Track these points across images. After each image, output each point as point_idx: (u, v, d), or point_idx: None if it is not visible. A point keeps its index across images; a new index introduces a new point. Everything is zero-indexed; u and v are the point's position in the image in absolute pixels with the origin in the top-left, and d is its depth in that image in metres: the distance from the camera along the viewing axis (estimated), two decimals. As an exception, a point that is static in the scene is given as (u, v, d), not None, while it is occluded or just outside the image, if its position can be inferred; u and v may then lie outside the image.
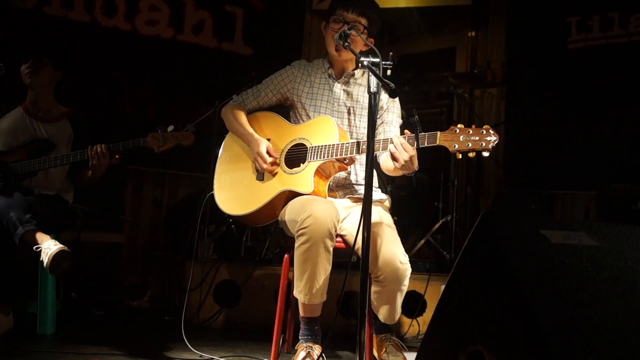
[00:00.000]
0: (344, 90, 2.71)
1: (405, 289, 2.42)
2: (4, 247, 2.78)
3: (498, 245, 1.53)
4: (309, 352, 2.36)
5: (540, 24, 4.95)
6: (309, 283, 2.32)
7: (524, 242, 1.57)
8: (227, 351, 2.90)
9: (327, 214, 2.30)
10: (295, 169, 2.54)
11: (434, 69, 5.74)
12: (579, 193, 4.67)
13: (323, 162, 2.48)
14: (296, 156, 2.57)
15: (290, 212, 2.45)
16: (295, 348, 2.47)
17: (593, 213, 4.58)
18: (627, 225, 1.71)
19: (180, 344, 2.76)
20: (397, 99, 2.71)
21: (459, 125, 2.17)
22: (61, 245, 2.70)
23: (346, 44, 2.35)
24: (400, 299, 2.44)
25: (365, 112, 2.54)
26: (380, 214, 2.49)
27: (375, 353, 2.59)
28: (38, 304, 3.02)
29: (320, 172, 2.51)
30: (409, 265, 2.40)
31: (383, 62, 2.07)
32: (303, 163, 2.52)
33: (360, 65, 2.09)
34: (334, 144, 2.45)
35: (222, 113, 2.83)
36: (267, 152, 2.56)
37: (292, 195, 2.51)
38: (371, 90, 2.01)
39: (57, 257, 2.65)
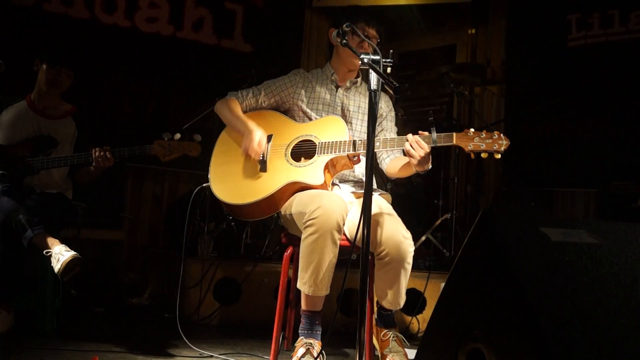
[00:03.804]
0: (345, 96, 2.80)
1: (409, 268, 2.44)
2: (9, 247, 2.78)
3: (498, 243, 1.54)
4: (308, 349, 2.36)
5: (541, 21, 4.94)
6: (314, 274, 2.32)
7: (524, 239, 1.57)
8: (226, 348, 2.90)
9: (336, 207, 2.33)
10: (303, 162, 2.56)
11: (434, 67, 5.73)
12: (579, 190, 4.67)
13: (333, 157, 2.53)
14: (303, 151, 2.61)
15: (297, 205, 2.46)
16: (295, 345, 2.46)
17: (593, 211, 4.58)
18: (626, 223, 1.72)
19: (180, 341, 2.76)
20: (392, 109, 2.87)
21: (471, 129, 2.34)
22: (73, 253, 2.69)
23: (344, 41, 2.38)
24: (404, 281, 2.46)
25: (367, 118, 2.64)
26: (380, 203, 2.55)
27: (375, 343, 2.58)
28: (38, 301, 3.02)
29: (328, 167, 2.54)
30: (412, 242, 2.43)
31: (383, 60, 2.07)
32: (310, 158, 2.56)
33: (361, 63, 2.09)
34: (344, 141, 2.52)
35: (218, 106, 2.81)
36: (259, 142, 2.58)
37: (298, 188, 2.52)
38: (372, 88, 2.02)
39: (70, 264, 2.65)
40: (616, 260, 1.59)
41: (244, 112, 2.78)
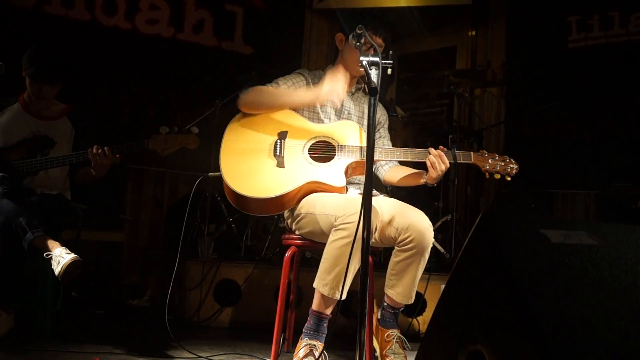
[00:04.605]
0: (351, 101, 2.82)
1: (427, 258, 2.51)
2: (9, 250, 2.77)
3: (498, 245, 1.53)
4: (311, 349, 2.35)
5: (541, 23, 4.95)
6: (337, 278, 2.32)
7: (524, 241, 1.57)
8: (227, 350, 2.90)
9: (372, 215, 2.31)
10: (323, 163, 2.57)
11: (435, 68, 5.75)
12: (579, 192, 4.67)
13: (353, 161, 2.56)
14: (320, 151, 2.61)
15: (324, 206, 2.44)
16: (296, 345, 2.45)
17: (593, 212, 4.58)
18: (627, 224, 1.71)
19: (180, 342, 2.76)
20: (387, 117, 2.95)
21: (485, 151, 2.59)
22: (74, 255, 2.67)
23: (359, 43, 2.37)
24: (419, 272, 2.51)
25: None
26: (389, 199, 2.60)
27: (375, 344, 2.57)
28: (38, 303, 3.02)
29: (346, 170, 2.56)
30: (432, 232, 2.51)
31: (383, 62, 2.08)
32: (329, 159, 2.57)
33: (359, 65, 2.11)
34: (364, 146, 2.54)
35: (250, 96, 2.65)
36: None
37: (315, 188, 2.53)
38: (371, 86, 2.03)
39: (70, 267, 2.64)
40: (616, 262, 1.58)
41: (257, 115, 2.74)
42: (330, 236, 2.35)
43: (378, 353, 2.56)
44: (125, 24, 4.73)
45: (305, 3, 5.56)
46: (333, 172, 2.53)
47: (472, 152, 2.55)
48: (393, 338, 2.55)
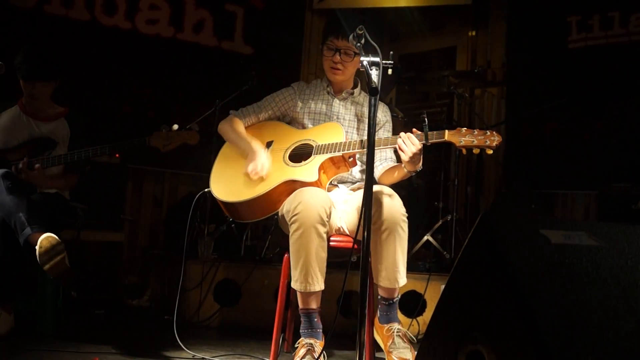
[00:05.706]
0: (342, 106, 2.87)
1: (404, 236, 2.44)
2: (9, 247, 2.77)
3: (498, 245, 1.54)
4: (309, 349, 2.36)
5: (541, 23, 4.95)
6: (304, 270, 2.34)
7: (524, 241, 1.57)
8: (226, 350, 2.90)
9: (316, 200, 2.36)
10: (300, 163, 2.61)
11: (435, 69, 5.74)
12: (579, 193, 4.67)
13: (329, 157, 2.56)
14: (301, 153, 2.65)
15: (286, 204, 2.49)
16: (296, 345, 2.46)
17: (593, 213, 4.58)
18: (627, 224, 1.71)
19: (181, 342, 2.76)
20: (389, 120, 2.92)
21: (464, 128, 2.40)
22: (48, 233, 2.66)
23: (359, 44, 2.37)
24: (399, 250, 2.44)
25: (363, 127, 2.82)
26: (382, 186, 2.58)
27: (378, 340, 2.55)
28: (38, 303, 3.02)
29: (324, 167, 2.58)
30: (402, 204, 2.45)
31: (383, 62, 2.08)
32: (308, 159, 2.60)
33: (360, 65, 2.11)
34: (340, 142, 2.57)
35: (220, 127, 2.88)
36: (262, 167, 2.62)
37: (292, 188, 2.54)
38: (371, 86, 2.03)
39: (45, 244, 2.60)
40: (616, 262, 1.58)
41: (246, 128, 2.86)
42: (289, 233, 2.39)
43: (383, 348, 2.54)
44: (125, 24, 4.73)
45: (305, 3, 5.56)
46: (307, 169, 2.57)
47: (446, 130, 2.41)
48: (393, 332, 2.48)
